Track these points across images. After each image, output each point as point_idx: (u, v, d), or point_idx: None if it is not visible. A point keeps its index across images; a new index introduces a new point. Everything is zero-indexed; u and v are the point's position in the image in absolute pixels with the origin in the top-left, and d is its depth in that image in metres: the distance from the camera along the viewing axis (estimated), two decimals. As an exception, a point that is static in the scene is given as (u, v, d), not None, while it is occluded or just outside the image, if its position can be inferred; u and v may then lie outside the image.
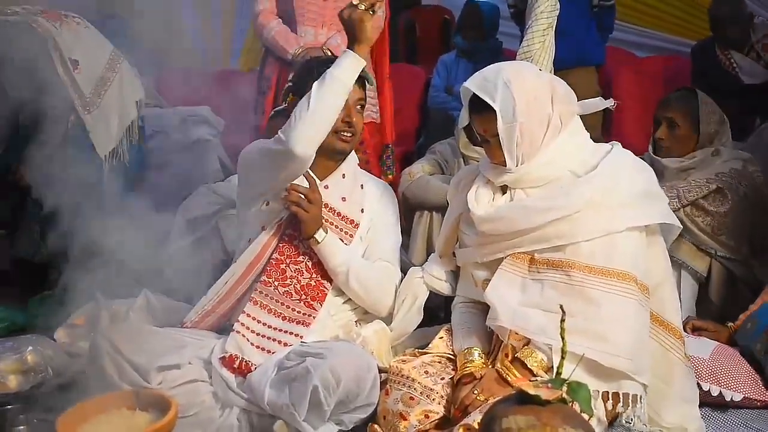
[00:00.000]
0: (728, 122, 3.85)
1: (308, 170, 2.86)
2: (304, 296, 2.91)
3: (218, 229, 3.90)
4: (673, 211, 3.33)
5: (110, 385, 2.64)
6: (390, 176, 4.41)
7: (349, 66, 2.73)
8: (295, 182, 2.87)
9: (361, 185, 3.09)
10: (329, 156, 2.94)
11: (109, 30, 4.58)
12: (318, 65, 2.91)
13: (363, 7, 2.72)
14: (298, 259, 2.94)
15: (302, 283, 2.92)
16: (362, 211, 3.05)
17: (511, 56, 3.89)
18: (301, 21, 4.14)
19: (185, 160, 4.86)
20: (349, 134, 2.93)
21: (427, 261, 3.09)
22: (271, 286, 2.90)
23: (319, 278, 2.94)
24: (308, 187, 2.87)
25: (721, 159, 3.75)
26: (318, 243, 2.88)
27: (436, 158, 4.29)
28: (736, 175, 3.65)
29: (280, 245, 2.94)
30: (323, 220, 2.92)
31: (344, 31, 2.79)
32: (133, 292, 3.57)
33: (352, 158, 3.10)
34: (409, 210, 4.15)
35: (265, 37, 4.22)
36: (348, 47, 2.76)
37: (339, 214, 2.99)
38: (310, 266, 2.94)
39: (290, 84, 3.11)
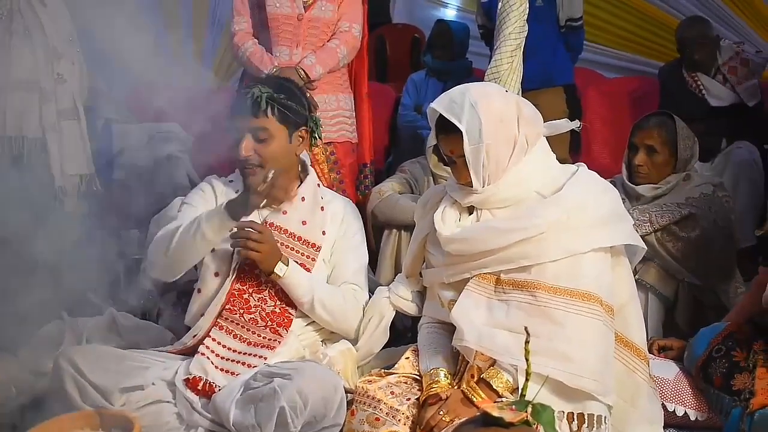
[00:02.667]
0: (698, 143, 3.88)
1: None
2: (269, 323, 2.89)
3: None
4: (645, 236, 3.37)
5: (74, 406, 2.62)
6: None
7: (218, 226, 2.78)
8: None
9: (322, 207, 3.06)
10: (283, 179, 2.91)
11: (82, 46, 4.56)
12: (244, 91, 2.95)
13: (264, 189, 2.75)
14: (260, 288, 2.92)
15: (267, 311, 2.90)
16: (324, 233, 3.03)
17: (480, 76, 3.91)
18: (276, 41, 4.14)
19: (154, 176, 4.85)
20: (250, 168, 2.91)
21: (394, 280, 3.09)
22: (236, 314, 2.89)
23: (284, 305, 2.92)
24: (254, 224, 2.84)
25: (692, 183, 3.76)
26: (280, 278, 2.85)
27: (405, 177, 4.29)
28: (706, 201, 3.66)
29: (242, 275, 2.91)
30: (284, 246, 2.91)
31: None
32: (99, 310, 3.56)
33: (311, 180, 3.09)
34: (377, 228, 4.15)
35: (240, 57, 4.22)
36: (229, 203, 2.80)
37: (300, 239, 2.97)
38: (273, 294, 2.92)
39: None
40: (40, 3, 3.94)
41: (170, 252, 2.80)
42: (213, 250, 2.92)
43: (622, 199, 3.63)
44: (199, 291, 2.97)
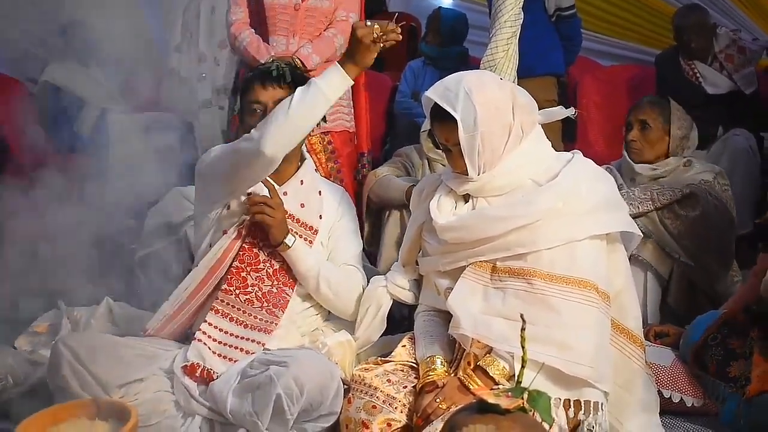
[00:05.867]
0: (696, 130, 3.90)
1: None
2: (266, 303, 2.89)
3: (187, 237, 3.88)
4: (646, 213, 3.39)
5: (71, 393, 2.61)
6: None
7: (337, 83, 2.71)
8: (253, 190, 2.88)
9: (319, 191, 3.08)
10: (286, 159, 2.89)
11: (76, 35, 4.56)
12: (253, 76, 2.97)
13: (375, 35, 2.67)
14: (258, 267, 2.92)
15: (264, 290, 2.90)
16: (320, 217, 3.04)
17: (477, 64, 3.90)
18: (272, 31, 4.14)
19: (150, 166, 4.84)
20: None
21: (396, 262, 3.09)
22: (232, 294, 2.88)
23: (281, 285, 2.93)
24: (269, 192, 2.87)
25: (693, 170, 3.80)
26: (288, 248, 2.87)
27: (401, 160, 4.28)
28: (707, 187, 3.70)
29: (240, 253, 2.91)
30: None
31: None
32: (95, 299, 3.56)
33: (309, 164, 3.10)
34: (376, 210, 4.13)
35: (237, 47, 4.22)
36: (341, 62, 2.72)
37: (298, 221, 2.98)
38: (271, 273, 2.92)
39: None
40: (208, 11, 4.32)
41: (290, 111, 2.68)
42: (228, 207, 2.93)
43: (620, 184, 3.68)
44: (210, 246, 2.96)
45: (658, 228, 3.62)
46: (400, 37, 2.73)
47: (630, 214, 3.48)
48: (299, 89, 2.71)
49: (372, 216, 4.16)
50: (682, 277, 3.66)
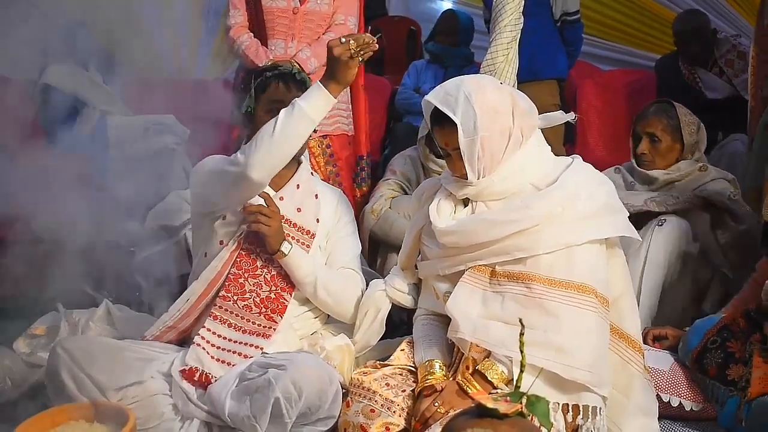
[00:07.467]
0: (704, 129, 3.91)
1: None
2: (264, 309, 2.89)
3: (186, 239, 3.88)
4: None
5: (69, 396, 2.62)
6: (365, 188, 4.40)
7: (321, 104, 2.69)
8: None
9: (316, 195, 3.09)
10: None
11: (78, 38, 4.55)
12: (256, 74, 3.04)
13: (353, 52, 2.63)
14: (256, 273, 2.92)
15: (262, 296, 2.91)
16: (318, 220, 3.05)
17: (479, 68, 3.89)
18: (271, 34, 4.16)
19: (149, 168, 4.84)
20: None
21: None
22: (230, 300, 2.88)
23: (279, 291, 2.93)
24: (264, 201, 2.87)
25: (709, 177, 3.78)
26: (285, 256, 2.87)
27: (396, 180, 4.14)
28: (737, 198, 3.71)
29: (238, 260, 2.92)
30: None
31: (325, 63, 2.73)
32: (94, 301, 3.55)
33: (305, 168, 3.11)
34: (377, 244, 4.06)
35: (235, 50, 4.25)
36: (323, 81, 2.69)
37: (295, 225, 2.99)
38: (269, 279, 2.93)
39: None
40: None
41: (275, 134, 2.67)
42: (224, 218, 2.93)
43: (631, 182, 3.69)
44: (205, 255, 2.98)
45: (708, 233, 3.62)
46: (377, 46, 2.70)
47: (671, 209, 3.55)
48: (283, 111, 2.70)
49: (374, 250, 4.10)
50: (720, 286, 3.67)
